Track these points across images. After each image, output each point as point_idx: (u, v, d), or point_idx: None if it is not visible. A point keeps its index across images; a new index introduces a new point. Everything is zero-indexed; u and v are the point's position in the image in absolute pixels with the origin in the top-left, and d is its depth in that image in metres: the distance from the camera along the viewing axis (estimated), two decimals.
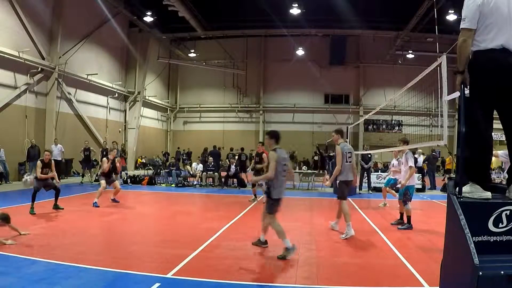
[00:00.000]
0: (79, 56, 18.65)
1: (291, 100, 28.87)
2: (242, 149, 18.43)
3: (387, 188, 9.73)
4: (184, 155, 26.05)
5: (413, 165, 7.60)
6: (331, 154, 21.58)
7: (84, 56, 19.24)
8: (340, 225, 7.15)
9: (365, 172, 14.22)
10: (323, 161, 21.28)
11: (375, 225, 7.78)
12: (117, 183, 10.52)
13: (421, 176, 15.27)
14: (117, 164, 11.01)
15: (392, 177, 9.42)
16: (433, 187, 15.71)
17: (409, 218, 7.58)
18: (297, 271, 4.68)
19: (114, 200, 10.15)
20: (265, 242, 5.78)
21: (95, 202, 9.44)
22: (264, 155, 11.79)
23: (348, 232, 6.63)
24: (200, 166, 16.17)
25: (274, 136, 5.63)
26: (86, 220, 7.78)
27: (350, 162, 6.94)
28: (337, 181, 7.13)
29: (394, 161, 9.48)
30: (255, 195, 11.37)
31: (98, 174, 10.92)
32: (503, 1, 2.69)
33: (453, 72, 2.95)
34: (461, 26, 2.78)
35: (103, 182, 10.00)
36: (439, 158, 22.59)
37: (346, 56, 27.23)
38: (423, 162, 18.11)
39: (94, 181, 15.82)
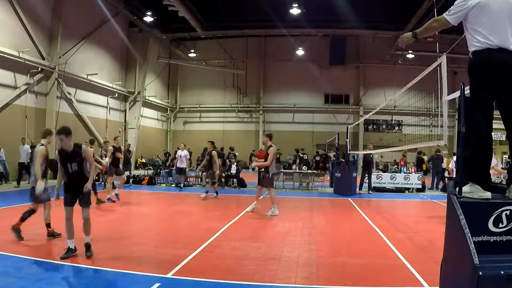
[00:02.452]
0: (79, 56, 18.64)
1: (291, 100, 28.86)
2: (222, 149, 18.29)
3: None
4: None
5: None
6: (330, 154, 21.62)
7: (84, 56, 19.24)
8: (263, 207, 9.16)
9: (366, 172, 14.13)
10: (325, 162, 21.29)
11: (375, 225, 7.78)
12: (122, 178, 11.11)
13: (420, 176, 15.29)
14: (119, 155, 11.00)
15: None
16: (436, 187, 15.70)
17: None
18: (297, 271, 4.67)
19: (109, 200, 10.22)
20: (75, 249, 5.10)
21: (109, 198, 10.16)
22: (214, 152, 11.68)
23: (274, 211, 8.64)
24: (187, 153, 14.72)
25: (70, 133, 5.13)
26: None
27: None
28: (270, 174, 8.88)
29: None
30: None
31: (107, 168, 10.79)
32: (496, 1, 2.71)
33: (411, 35, 3.13)
34: (445, 15, 2.89)
35: (110, 178, 10.63)
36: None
37: (346, 56, 27.23)
38: (428, 162, 18.10)
39: (95, 181, 15.81)
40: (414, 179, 14.84)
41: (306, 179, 15.46)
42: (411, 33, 3.20)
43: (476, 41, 2.77)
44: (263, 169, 9.16)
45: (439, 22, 2.94)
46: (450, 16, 2.85)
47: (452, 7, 2.87)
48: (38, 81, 16.53)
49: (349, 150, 15.00)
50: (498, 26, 2.70)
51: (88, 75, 19.55)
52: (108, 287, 4.08)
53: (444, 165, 15.06)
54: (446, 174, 14.85)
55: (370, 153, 14.17)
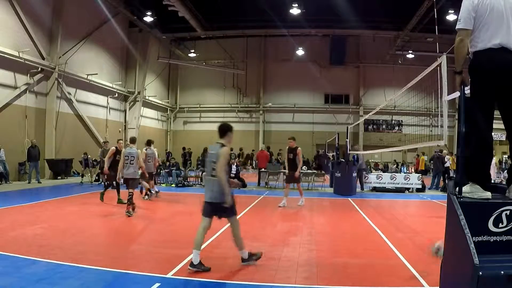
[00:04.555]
0: (79, 56, 18.64)
1: (291, 100, 28.86)
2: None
3: None
4: (186, 154, 26.04)
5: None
6: (329, 154, 21.63)
7: (84, 56, 19.23)
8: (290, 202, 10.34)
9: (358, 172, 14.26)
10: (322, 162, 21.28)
11: (375, 225, 7.77)
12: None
13: (420, 176, 15.27)
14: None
15: None
16: (436, 187, 15.68)
17: None
18: (297, 271, 4.67)
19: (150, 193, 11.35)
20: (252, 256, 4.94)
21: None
22: (140, 151, 11.01)
23: (284, 203, 10.26)
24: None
25: None
26: (86, 220, 7.78)
27: None
28: (300, 173, 10.71)
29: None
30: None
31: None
32: (499, 1, 2.71)
33: (453, 72, 2.98)
34: (456, 27, 2.83)
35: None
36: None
37: (346, 56, 27.21)
38: (429, 161, 18.09)
39: (94, 180, 15.82)
40: (414, 179, 14.85)
41: (306, 179, 15.45)
42: (456, 76, 2.89)
43: (478, 41, 2.77)
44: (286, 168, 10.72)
45: (460, 35, 2.79)
46: (463, 23, 2.77)
47: (459, 16, 2.82)
48: (38, 81, 16.52)
49: (349, 150, 15.01)
50: (501, 26, 2.69)
51: (88, 75, 19.54)
52: (108, 287, 4.08)
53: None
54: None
55: (354, 154, 14.50)
